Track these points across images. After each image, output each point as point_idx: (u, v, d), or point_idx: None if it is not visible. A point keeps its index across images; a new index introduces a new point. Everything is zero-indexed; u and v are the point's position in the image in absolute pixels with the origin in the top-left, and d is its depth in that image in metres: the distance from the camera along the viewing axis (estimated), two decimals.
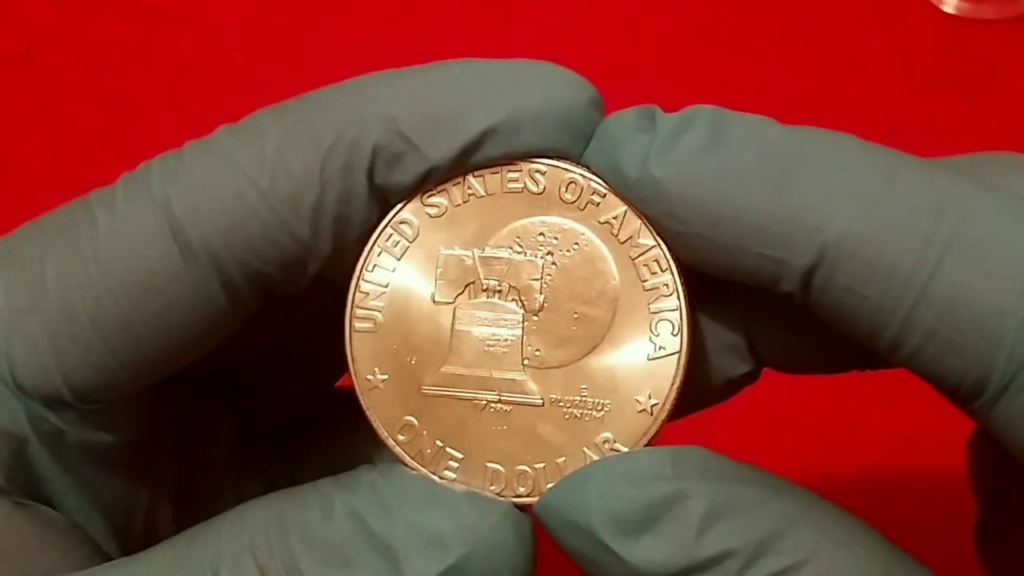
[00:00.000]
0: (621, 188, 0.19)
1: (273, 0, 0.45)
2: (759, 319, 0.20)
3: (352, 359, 0.19)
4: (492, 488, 0.19)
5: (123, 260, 0.18)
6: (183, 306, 0.18)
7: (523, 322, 0.19)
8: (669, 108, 0.19)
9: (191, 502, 0.22)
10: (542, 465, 0.19)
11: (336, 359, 0.19)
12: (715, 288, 0.19)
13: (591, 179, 0.19)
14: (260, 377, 0.24)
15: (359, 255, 0.19)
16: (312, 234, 0.18)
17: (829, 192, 0.17)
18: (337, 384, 0.25)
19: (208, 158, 0.19)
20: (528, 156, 0.19)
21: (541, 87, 0.19)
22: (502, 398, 0.19)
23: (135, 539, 0.21)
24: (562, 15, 0.44)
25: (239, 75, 0.43)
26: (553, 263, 0.19)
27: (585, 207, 0.19)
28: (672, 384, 0.19)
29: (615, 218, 0.19)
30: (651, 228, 0.19)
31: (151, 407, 0.20)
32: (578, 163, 0.19)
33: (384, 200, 0.19)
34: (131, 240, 0.18)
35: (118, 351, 0.18)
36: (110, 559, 0.20)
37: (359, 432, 0.23)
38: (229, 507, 0.19)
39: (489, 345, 0.19)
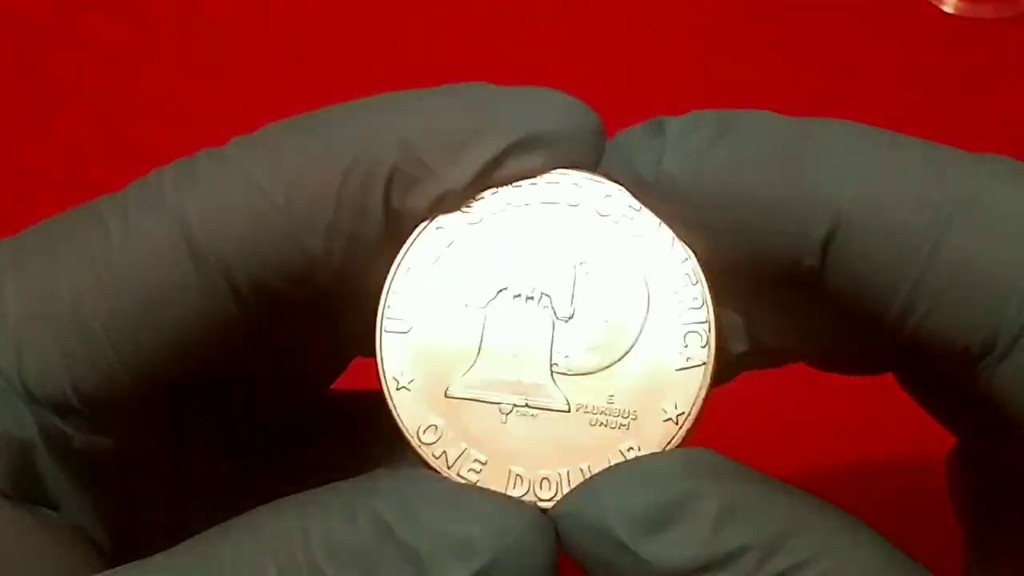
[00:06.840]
0: (640, 191, 0.19)
1: (274, 1, 0.45)
2: (758, 303, 0.21)
3: (381, 359, 0.19)
4: (514, 492, 0.19)
5: (136, 269, 0.18)
6: (194, 316, 0.19)
7: (553, 329, 0.19)
8: (669, 109, 0.20)
9: (189, 508, 0.22)
10: (566, 471, 0.19)
11: (328, 367, 0.20)
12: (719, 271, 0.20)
13: (626, 194, 0.20)
14: (253, 383, 0.24)
15: (389, 264, 0.20)
16: (324, 251, 0.19)
17: (838, 165, 0.18)
18: (336, 389, 0.25)
19: (223, 170, 0.19)
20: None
21: (550, 115, 0.19)
22: (529, 403, 0.19)
23: (135, 549, 0.21)
24: (562, 21, 0.44)
25: (240, 76, 0.43)
26: (586, 272, 0.20)
27: (620, 220, 0.20)
28: (699, 395, 0.19)
29: (649, 232, 0.20)
30: (683, 241, 0.19)
31: (153, 412, 0.20)
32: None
33: (397, 222, 0.19)
34: (144, 249, 0.18)
35: (128, 359, 0.19)
36: (111, 566, 0.20)
37: (354, 441, 0.23)
38: (225, 515, 0.19)
39: (518, 350, 0.19)
